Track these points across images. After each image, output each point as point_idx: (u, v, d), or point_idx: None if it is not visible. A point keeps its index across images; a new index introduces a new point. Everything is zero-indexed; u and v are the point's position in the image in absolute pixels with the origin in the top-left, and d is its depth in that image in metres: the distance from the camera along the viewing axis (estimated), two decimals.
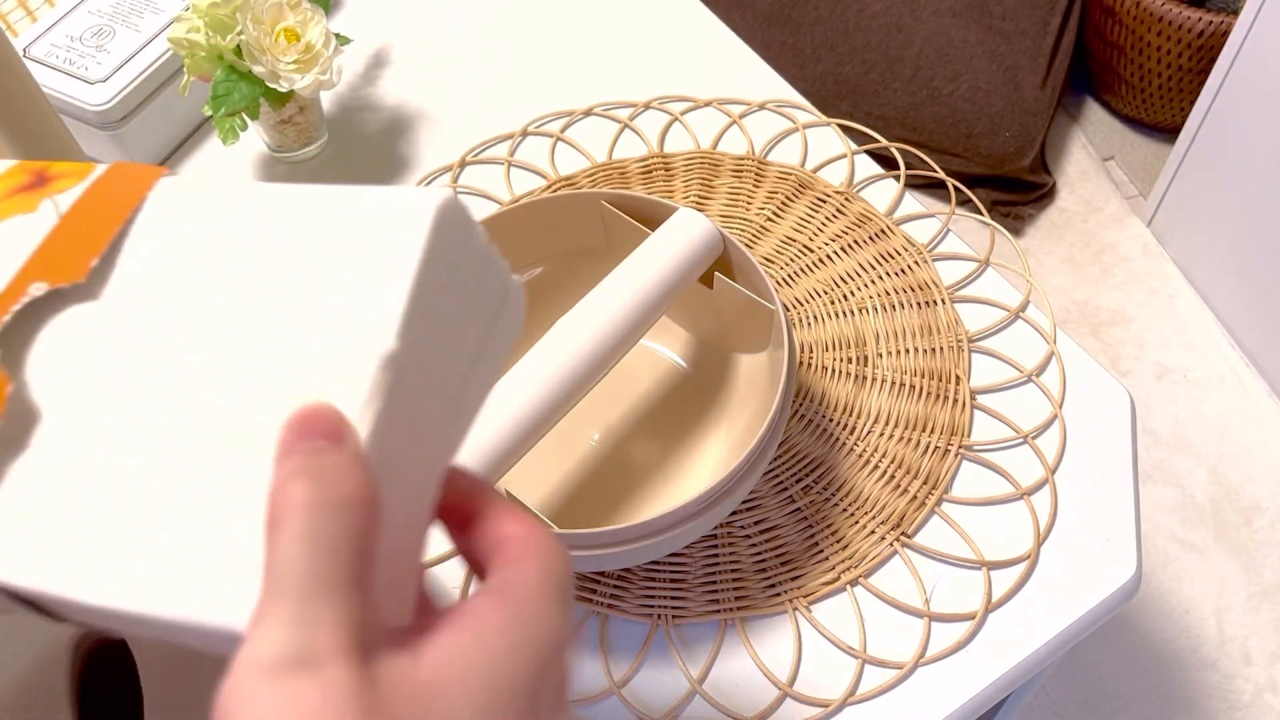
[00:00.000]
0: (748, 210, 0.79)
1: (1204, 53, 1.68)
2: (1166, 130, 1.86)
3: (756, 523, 0.65)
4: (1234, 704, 1.36)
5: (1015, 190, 1.78)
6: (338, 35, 0.79)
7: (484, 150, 0.84)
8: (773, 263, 0.77)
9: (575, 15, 0.94)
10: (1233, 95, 1.51)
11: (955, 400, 0.70)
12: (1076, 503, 0.67)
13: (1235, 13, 1.64)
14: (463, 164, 0.83)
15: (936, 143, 1.72)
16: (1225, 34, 1.60)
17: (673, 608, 0.63)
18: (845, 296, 0.74)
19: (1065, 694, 1.37)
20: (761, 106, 0.86)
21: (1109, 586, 0.64)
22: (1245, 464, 1.55)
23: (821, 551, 0.65)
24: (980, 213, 0.79)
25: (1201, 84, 1.58)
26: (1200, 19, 1.65)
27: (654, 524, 0.55)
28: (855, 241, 0.77)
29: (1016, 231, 1.78)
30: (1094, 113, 1.93)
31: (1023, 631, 0.62)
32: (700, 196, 0.80)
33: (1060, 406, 0.70)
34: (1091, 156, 1.87)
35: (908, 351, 0.72)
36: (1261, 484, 1.53)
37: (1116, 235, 1.78)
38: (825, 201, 0.79)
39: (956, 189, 0.81)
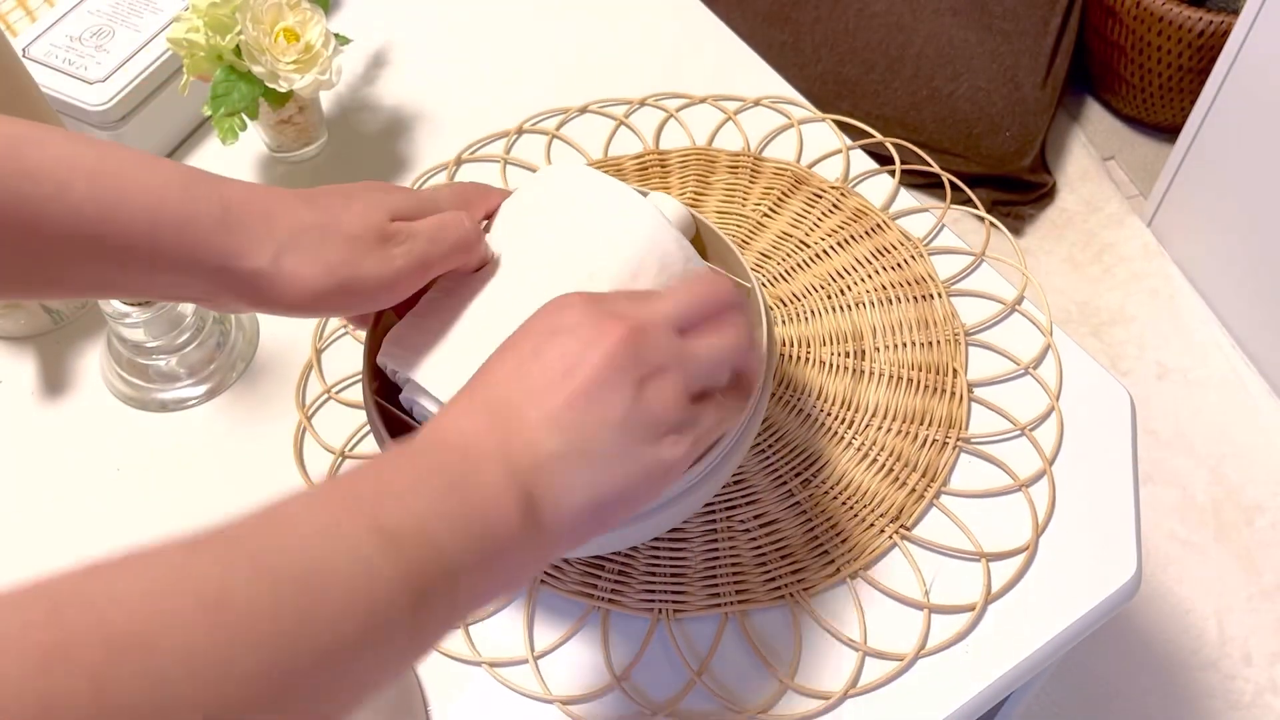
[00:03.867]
0: (743, 206, 0.80)
1: (1204, 52, 1.68)
2: (1167, 130, 1.86)
3: (756, 516, 0.65)
4: (1234, 704, 1.36)
5: (1015, 190, 1.78)
6: (337, 35, 0.79)
7: (480, 148, 0.85)
8: (769, 258, 0.77)
9: (571, 13, 0.94)
10: (1233, 95, 1.52)
11: (953, 393, 0.70)
12: (1075, 495, 0.67)
13: (1236, 12, 1.64)
14: (459, 162, 0.84)
15: (937, 142, 1.72)
16: (1226, 34, 1.60)
17: (673, 602, 0.63)
18: (842, 291, 0.75)
19: (1065, 694, 1.36)
20: (757, 103, 0.86)
21: (1109, 586, 0.63)
22: (1246, 464, 1.55)
23: (821, 545, 0.65)
24: (975, 207, 0.79)
25: (1202, 84, 1.58)
26: (1201, 19, 1.66)
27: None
28: (851, 236, 0.77)
29: (1017, 231, 1.78)
30: (1094, 112, 1.93)
31: (1023, 630, 0.62)
32: (696, 193, 0.80)
33: (1057, 399, 0.70)
34: (1092, 156, 1.87)
35: (905, 345, 0.72)
36: (1262, 484, 1.53)
37: (1117, 235, 1.78)
38: (821, 197, 0.79)
39: (952, 184, 0.81)
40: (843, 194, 0.79)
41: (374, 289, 0.50)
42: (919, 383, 0.70)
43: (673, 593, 0.63)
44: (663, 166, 0.82)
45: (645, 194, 0.62)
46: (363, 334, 0.60)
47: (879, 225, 0.78)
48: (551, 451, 0.41)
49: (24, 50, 0.81)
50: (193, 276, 0.47)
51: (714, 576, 0.64)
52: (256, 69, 0.74)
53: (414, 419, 0.57)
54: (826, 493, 0.66)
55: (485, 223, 0.59)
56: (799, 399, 0.70)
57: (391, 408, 0.57)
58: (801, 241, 0.77)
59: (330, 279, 0.48)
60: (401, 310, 0.57)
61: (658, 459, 0.43)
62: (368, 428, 0.71)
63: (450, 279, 0.56)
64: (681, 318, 0.46)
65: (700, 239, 0.63)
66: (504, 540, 0.39)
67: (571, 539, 0.42)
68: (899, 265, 0.76)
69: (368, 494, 0.37)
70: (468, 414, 0.42)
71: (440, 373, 0.54)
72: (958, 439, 0.68)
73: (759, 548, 0.64)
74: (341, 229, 0.50)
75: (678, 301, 0.46)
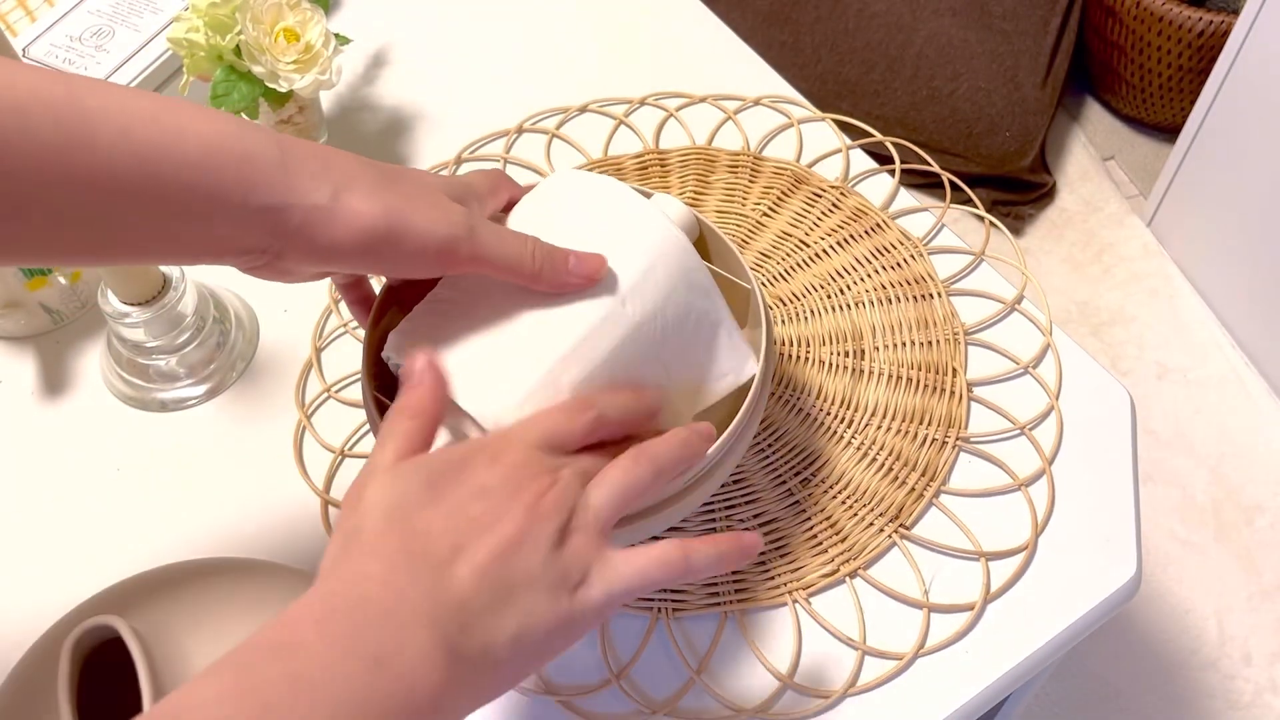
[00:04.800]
0: (743, 206, 0.80)
1: (1204, 52, 1.68)
2: (1167, 130, 1.86)
3: (755, 515, 0.66)
4: (1234, 704, 1.36)
5: (1015, 190, 1.78)
6: (337, 35, 0.79)
7: (480, 147, 0.85)
8: (769, 258, 0.77)
9: (571, 13, 0.95)
10: (1233, 95, 1.52)
11: (952, 392, 0.70)
12: (1074, 495, 0.67)
13: (1235, 12, 1.65)
14: (459, 161, 0.84)
15: (937, 143, 1.72)
16: (1225, 34, 1.61)
17: (673, 601, 0.63)
18: (842, 290, 0.75)
19: (1065, 694, 1.36)
20: (756, 102, 0.86)
21: (1109, 586, 0.63)
22: (1246, 464, 1.55)
23: (820, 544, 0.65)
24: (975, 207, 0.79)
25: (1202, 84, 1.58)
26: (1200, 19, 1.66)
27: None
28: (851, 236, 0.77)
29: (1017, 231, 1.78)
30: (1094, 112, 1.93)
31: (1022, 630, 0.62)
32: (696, 192, 0.80)
33: (1057, 398, 0.70)
34: (1092, 156, 1.87)
35: (904, 344, 0.72)
36: (1262, 484, 1.53)
37: (1117, 235, 1.78)
38: (820, 196, 0.79)
39: (952, 184, 0.81)
40: (842, 193, 0.80)
41: (424, 242, 0.49)
42: (918, 382, 0.70)
43: (672, 591, 0.63)
44: (663, 166, 0.82)
45: (650, 195, 0.62)
46: (363, 332, 0.60)
47: (879, 225, 0.78)
48: (481, 607, 0.42)
49: (24, 50, 0.82)
50: (251, 220, 0.46)
51: (713, 575, 0.64)
52: (256, 69, 0.74)
53: None
54: (826, 492, 0.66)
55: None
56: (798, 398, 0.70)
57: (390, 403, 0.57)
58: (801, 241, 0.77)
59: (385, 219, 0.48)
60: (408, 305, 0.57)
61: (572, 608, 0.44)
62: (367, 427, 0.71)
63: (459, 276, 0.56)
64: (593, 467, 0.48)
65: (703, 240, 0.64)
66: (426, 706, 0.39)
67: (497, 685, 0.43)
68: (899, 265, 0.76)
69: (284, 693, 0.37)
70: (394, 567, 0.42)
71: (449, 368, 0.53)
72: (957, 438, 0.68)
73: None
74: (400, 177, 0.50)
75: (591, 441, 0.49)
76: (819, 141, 0.84)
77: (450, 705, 0.40)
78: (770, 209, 0.79)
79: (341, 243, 0.47)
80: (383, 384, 0.58)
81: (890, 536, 0.65)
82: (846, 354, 0.72)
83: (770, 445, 0.68)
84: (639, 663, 0.62)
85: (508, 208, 0.59)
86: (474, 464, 0.45)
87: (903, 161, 0.82)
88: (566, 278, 0.52)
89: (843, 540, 0.65)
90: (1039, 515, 0.66)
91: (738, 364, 0.58)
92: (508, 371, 0.52)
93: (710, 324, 0.56)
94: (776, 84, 0.88)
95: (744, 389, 0.58)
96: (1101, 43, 1.82)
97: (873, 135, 0.84)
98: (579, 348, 0.52)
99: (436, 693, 0.39)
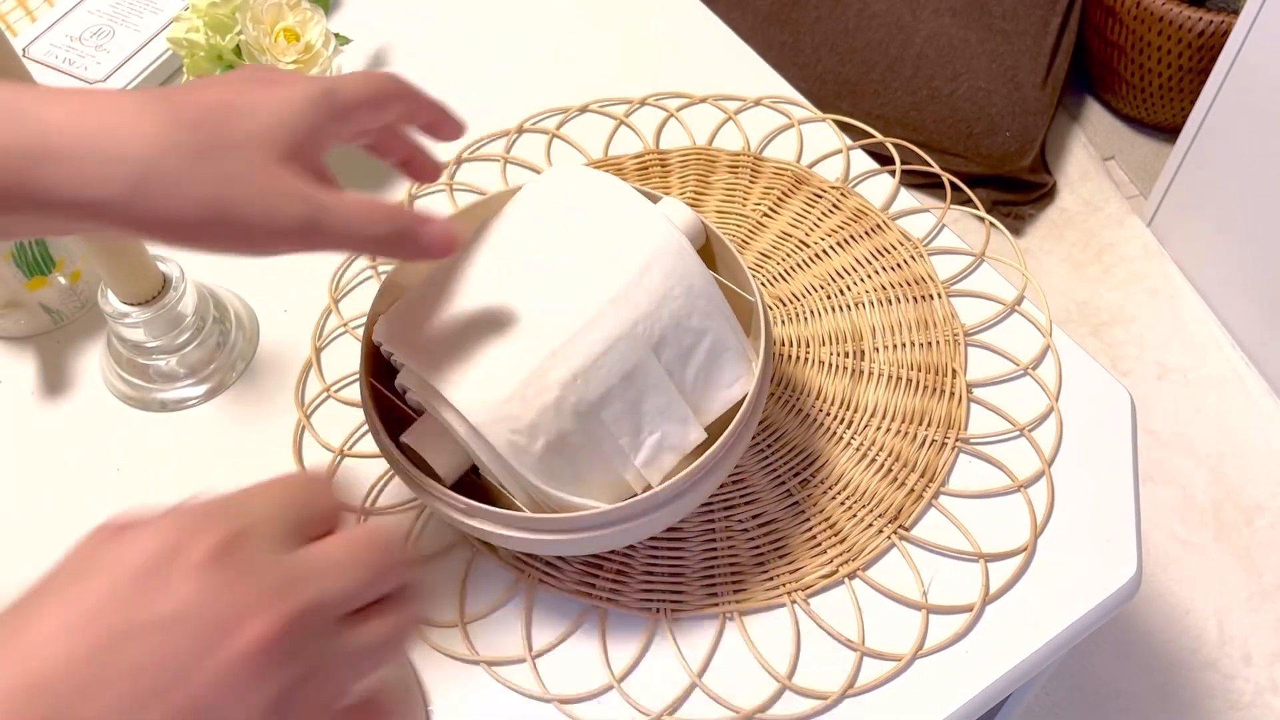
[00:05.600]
0: (743, 206, 0.80)
1: (1204, 52, 1.68)
2: (1167, 130, 1.86)
3: (754, 516, 0.66)
4: (1234, 704, 1.36)
5: (1016, 190, 1.78)
6: (337, 35, 0.79)
7: (480, 147, 0.85)
8: (769, 258, 0.77)
9: (572, 13, 0.94)
10: (1233, 95, 1.52)
11: (952, 394, 0.70)
12: (1075, 495, 0.67)
13: (1236, 12, 1.64)
14: (459, 161, 0.84)
15: (937, 143, 1.72)
16: (1226, 34, 1.61)
17: (671, 602, 0.63)
18: (841, 291, 0.75)
19: (1065, 694, 1.36)
20: (757, 103, 0.86)
21: (1109, 586, 0.63)
22: (1246, 464, 1.55)
23: (819, 545, 0.65)
24: (976, 208, 0.79)
25: (1202, 84, 1.58)
26: (1201, 18, 1.66)
27: (633, 508, 0.54)
28: (851, 236, 0.77)
29: (1017, 231, 1.78)
30: (1094, 112, 1.93)
31: (1022, 630, 0.62)
32: (696, 193, 0.80)
33: (1056, 399, 0.70)
34: (1092, 156, 1.87)
35: (904, 345, 0.72)
36: (1262, 484, 1.53)
37: (1117, 235, 1.78)
38: (821, 197, 0.79)
39: (952, 184, 0.81)
40: (843, 194, 0.80)
41: (255, 233, 0.42)
42: (918, 383, 0.70)
43: (671, 592, 0.63)
44: (663, 166, 0.82)
45: (658, 198, 0.62)
46: (361, 331, 0.60)
47: (879, 225, 0.78)
48: None
49: (24, 50, 0.82)
50: (40, 213, 0.40)
51: (712, 576, 0.64)
52: None
53: (406, 405, 0.57)
54: (825, 493, 0.66)
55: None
56: (798, 399, 0.70)
57: (386, 391, 0.57)
58: (801, 241, 0.77)
59: (203, 212, 0.40)
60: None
61: None
62: (366, 427, 0.71)
63: (455, 261, 0.56)
64: (355, 591, 0.35)
65: (709, 248, 0.63)
66: None
67: None
68: (899, 265, 0.76)
69: None
70: None
71: (436, 360, 0.53)
72: (957, 439, 0.68)
73: (757, 548, 0.65)
74: (222, 144, 0.41)
75: (354, 559, 0.35)
76: (819, 142, 0.84)
77: None
78: (770, 209, 0.79)
79: (158, 235, 0.41)
80: (381, 380, 0.58)
81: (889, 538, 0.65)
82: (846, 355, 0.72)
83: (769, 446, 0.68)
84: (638, 664, 0.62)
85: (438, 130, 0.54)
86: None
87: (903, 162, 0.82)
88: (424, 249, 0.46)
89: (841, 541, 0.65)
90: (1038, 516, 0.66)
91: (744, 371, 0.57)
92: (495, 365, 0.52)
93: (713, 330, 0.56)
94: (777, 84, 0.88)
95: None
96: (1101, 43, 1.82)
97: (873, 136, 0.84)
98: (569, 344, 0.52)
99: None
